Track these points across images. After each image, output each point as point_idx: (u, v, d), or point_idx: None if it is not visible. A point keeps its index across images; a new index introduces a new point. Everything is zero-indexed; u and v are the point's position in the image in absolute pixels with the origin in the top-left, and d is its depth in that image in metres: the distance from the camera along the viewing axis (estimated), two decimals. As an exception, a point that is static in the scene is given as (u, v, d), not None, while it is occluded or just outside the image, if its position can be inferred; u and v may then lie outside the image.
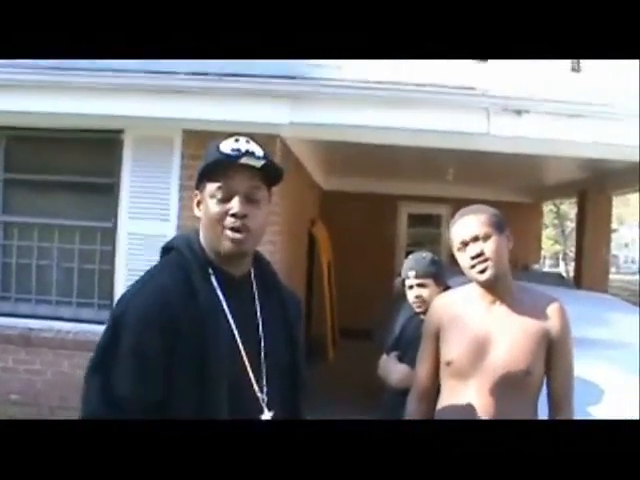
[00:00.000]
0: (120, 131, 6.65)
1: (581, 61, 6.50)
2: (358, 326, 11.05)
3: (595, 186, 10.81)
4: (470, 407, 2.77)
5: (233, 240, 1.95)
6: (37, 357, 6.62)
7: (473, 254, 2.76)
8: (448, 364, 2.88)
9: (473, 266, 2.78)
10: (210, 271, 1.99)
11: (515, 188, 13.07)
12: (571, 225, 25.46)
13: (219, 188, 1.95)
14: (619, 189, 11.14)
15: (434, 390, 3.03)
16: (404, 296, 4.11)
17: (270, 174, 2.03)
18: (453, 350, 2.87)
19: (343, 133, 6.50)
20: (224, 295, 1.97)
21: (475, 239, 2.77)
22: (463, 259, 2.82)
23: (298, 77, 5.95)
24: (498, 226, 2.81)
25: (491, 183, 12.41)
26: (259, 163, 1.96)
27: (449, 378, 2.91)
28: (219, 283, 1.98)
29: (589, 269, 11.00)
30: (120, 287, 6.48)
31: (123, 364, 1.81)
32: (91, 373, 1.85)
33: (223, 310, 1.95)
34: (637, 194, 16.20)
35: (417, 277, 3.84)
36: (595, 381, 4.25)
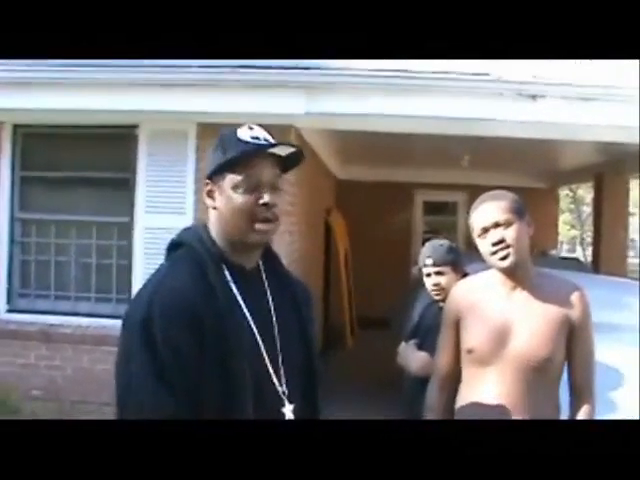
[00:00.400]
0: (135, 126, 6.67)
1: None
2: (375, 314, 11.08)
3: (612, 170, 10.74)
4: (491, 395, 2.77)
5: (263, 231, 1.94)
6: (57, 353, 6.66)
7: (494, 240, 2.75)
8: (469, 352, 2.88)
9: (494, 252, 2.76)
10: (222, 265, 1.96)
11: (531, 174, 13.01)
12: (587, 210, 25.30)
13: (245, 179, 1.91)
14: (636, 172, 11.05)
15: (455, 378, 3.02)
16: (422, 284, 4.11)
17: (290, 161, 2.03)
18: (474, 338, 2.86)
19: (358, 122, 6.49)
20: (238, 289, 1.95)
21: (496, 225, 2.75)
22: (484, 245, 2.81)
23: (312, 67, 5.94)
24: (519, 212, 2.80)
25: (506, 169, 12.36)
26: (286, 151, 1.98)
27: (470, 366, 2.90)
28: (232, 276, 1.96)
29: (607, 253, 10.93)
30: (138, 281, 6.51)
31: (160, 361, 1.77)
32: (127, 374, 1.81)
33: (239, 304, 1.94)
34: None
35: (435, 265, 3.83)
36: (615, 365, 4.23)
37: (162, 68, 5.91)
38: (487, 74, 6.09)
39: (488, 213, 2.79)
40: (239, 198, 1.92)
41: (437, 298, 3.90)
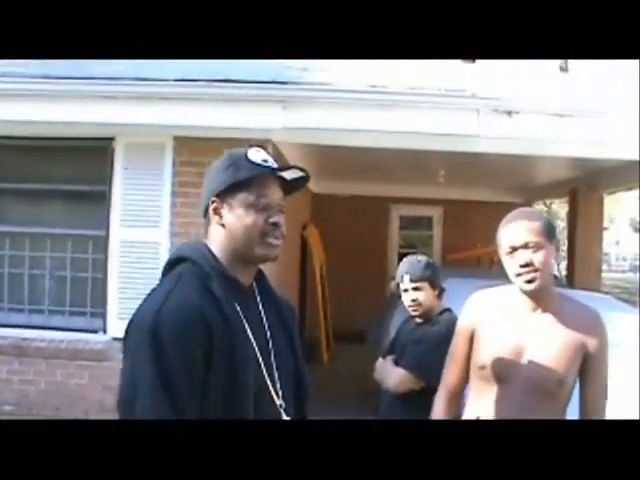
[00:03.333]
0: (111, 139, 6.62)
1: (568, 61, 6.51)
2: (351, 328, 11.08)
3: (586, 185, 10.82)
4: (498, 415, 2.76)
5: (274, 246, 2.04)
6: (31, 367, 6.58)
7: (522, 263, 2.70)
8: (481, 368, 2.85)
9: (520, 274, 2.72)
10: (225, 280, 2.00)
11: (506, 188, 13.08)
12: (562, 224, 25.47)
13: (258, 198, 2.01)
14: (610, 187, 11.16)
15: (462, 391, 3.02)
16: (399, 299, 4.11)
17: (291, 186, 2.15)
18: (487, 354, 2.83)
19: (335, 137, 6.50)
20: (238, 304, 1.99)
21: (525, 246, 2.71)
22: (510, 265, 2.77)
23: (289, 82, 5.94)
24: (549, 235, 2.76)
25: (482, 184, 12.42)
26: (294, 175, 2.11)
27: (479, 381, 2.88)
28: (233, 292, 2.00)
29: (581, 268, 10.99)
30: (113, 295, 6.47)
31: (167, 373, 1.78)
32: (132, 390, 1.79)
33: (241, 319, 1.98)
34: (628, 192, 16.28)
35: (412, 281, 3.84)
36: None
37: (139, 81, 5.90)
38: (463, 90, 6.13)
39: (519, 233, 2.74)
40: (251, 216, 2.01)
41: (414, 314, 3.91)
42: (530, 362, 2.75)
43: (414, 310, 3.88)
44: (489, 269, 11.68)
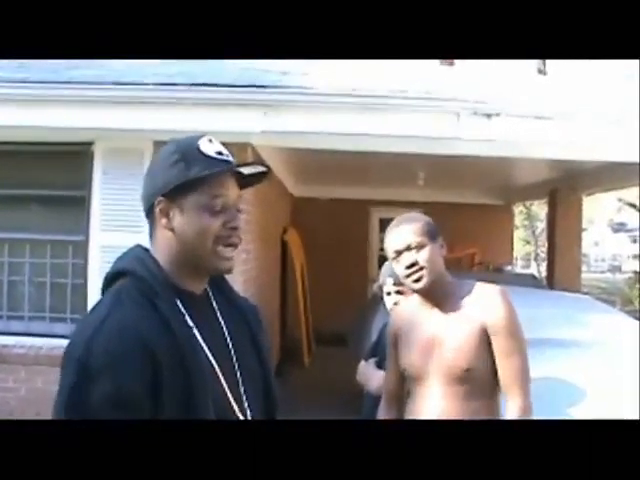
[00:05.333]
0: (90, 143, 6.59)
1: (547, 64, 6.53)
2: (332, 331, 11.10)
3: (565, 186, 10.90)
4: (430, 410, 2.83)
5: (227, 257, 1.78)
6: (10, 374, 6.53)
7: (407, 264, 2.83)
8: (404, 371, 2.99)
9: (408, 275, 2.85)
10: (173, 293, 1.75)
11: (486, 190, 13.14)
12: (541, 226, 25.60)
13: (214, 199, 1.76)
14: (589, 189, 11.24)
15: (402, 396, 3.11)
16: (380, 302, 4.11)
17: (249, 180, 1.89)
18: (405, 357, 2.98)
19: (314, 140, 6.50)
20: (191, 318, 1.75)
21: (408, 248, 2.83)
22: (398, 268, 2.89)
23: (269, 86, 5.94)
24: (431, 234, 2.88)
25: (462, 186, 12.47)
26: (252, 170, 1.86)
27: (410, 383, 3.00)
28: (183, 305, 1.75)
29: (561, 269, 11.07)
30: (93, 300, 6.39)
31: (100, 415, 1.56)
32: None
33: (195, 336, 1.74)
34: (606, 194, 16.39)
35: (395, 284, 3.84)
36: (573, 381, 4.28)
37: (118, 85, 5.88)
38: (442, 93, 6.15)
39: (400, 236, 2.87)
40: (205, 220, 1.75)
41: (396, 316, 3.91)
42: (438, 355, 2.84)
43: (396, 313, 3.88)
44: (469, 270, 11.73)
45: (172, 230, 1.79)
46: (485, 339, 2.80)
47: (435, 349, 2.85)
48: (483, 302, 2.84)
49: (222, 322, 1.89)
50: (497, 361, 2.81)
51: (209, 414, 1.68)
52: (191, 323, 1.74)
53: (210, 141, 1.80)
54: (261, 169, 1.88)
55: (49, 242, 6.78)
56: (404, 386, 3.07)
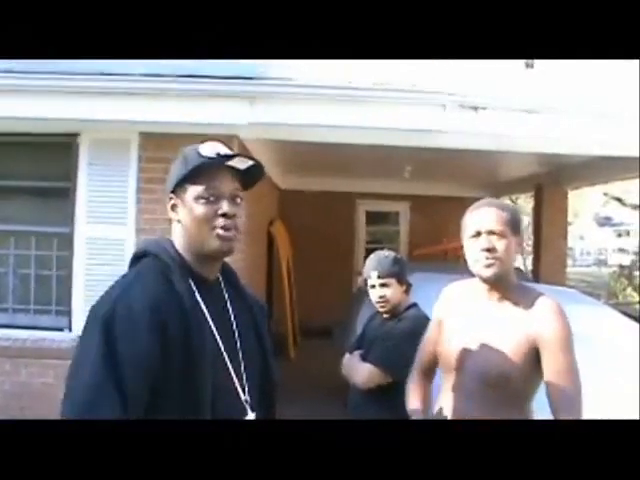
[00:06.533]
0: (75, 134, 6.55)
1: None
2: (318, 324, 11.10)
3: (551, 180, 10.94)
4: (454, 406, 2.80)
5: (224, 238, 2.01)
6: (-6, 367, 6.49)
7: (484, 247, 2.72)
8: (438, 355, 2.93)
9: (479, 259, 2.74)
10: (187, 275, 2.02)
11: (472, 183, 13.16)
12: (527, 219, 25.69)
13: (206, 190, 2.00)
14: (574, 183, 11.29)
15: (432, 373, 3.08)
16: (366, 294, 4.11)
17: (249, 178, 2.14)
18: (443, 343, 2.90)
19: (301, 133, 6.49)
20: (202, 298, 2.01)
21: (490, 232, 2.73)
22: (472, 249, 2.78)
23: (256, 78, 5.92)
24: (514, 228, 2.78)
25: (448, 179, 12.49)
26: (244, 165, 2.08)
27: (442, 369, 2.95)
28: (196, 286, 2.02)
29: (547, 262, 11.12)
30: (78, 292, 6.40)
31: (116, 363, 1.78)
32: (77, 373, 1.82)
33: (203, 313, 1.99)
34: (592, 188, 16.45)
35: (380, 277, 3.84)
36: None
37: (104, 76, 5.83)
38: (429, 85, 6.15)
39: (487, 218, 2.76)
40: (200, 208, 2.00)
41: (382, 310, 3.91)
42: (475, 353, 2.77)
43: (382, 306, 3.88)
44: (456, 264, 11.75)
45: (179, 221, 2.08)
46: (531, 351, 2.69)
47: (475, 347, 2.77)
48: (539, 313, 2.72)
49: (230, 308, 2.14)
50: (545, 375, 2.68)
51: (206, 384, 1.89)
52: (200, 301, 2.00)
53: (213, 145, 2.08)
54: (250, 162, 2.10)
55: (34, 234, 6.73)
56: (434, 367, 3.03)
